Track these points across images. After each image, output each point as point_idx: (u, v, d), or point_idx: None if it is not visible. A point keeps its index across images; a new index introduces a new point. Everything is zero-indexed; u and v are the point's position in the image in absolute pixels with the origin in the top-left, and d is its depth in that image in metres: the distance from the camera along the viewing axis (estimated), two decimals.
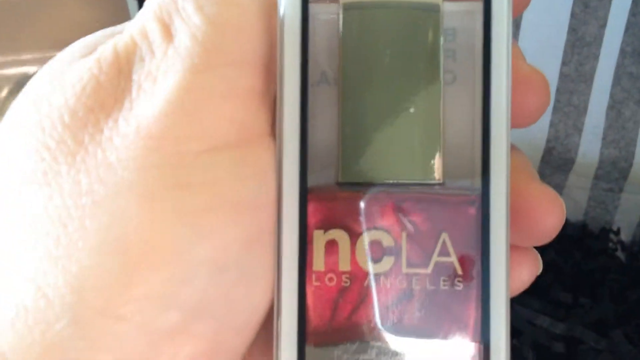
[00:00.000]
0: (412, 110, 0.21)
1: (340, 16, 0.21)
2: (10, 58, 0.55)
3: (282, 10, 0.21)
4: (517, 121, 0.22)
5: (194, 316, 0.20)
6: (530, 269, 0.23)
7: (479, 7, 0.21)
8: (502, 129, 0.21)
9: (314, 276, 0.21)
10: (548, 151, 0.49)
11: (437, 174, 0.21)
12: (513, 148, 0.23)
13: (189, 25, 0.20)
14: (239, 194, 0.20)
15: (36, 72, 0.57)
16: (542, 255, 0.52)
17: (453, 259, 0.21)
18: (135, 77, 0.20)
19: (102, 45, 0.21)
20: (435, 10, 0.21)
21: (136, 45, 0.20)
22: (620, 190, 0.51)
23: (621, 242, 0.54)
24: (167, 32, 0.20)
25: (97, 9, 0.53)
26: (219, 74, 0.20)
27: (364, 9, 0.21)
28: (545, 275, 0.51)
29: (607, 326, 0.48)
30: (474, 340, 0.21)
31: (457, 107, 0.22)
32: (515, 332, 0.46)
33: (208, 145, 0.20)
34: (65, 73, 0.21)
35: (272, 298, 0.21)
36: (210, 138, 0.20)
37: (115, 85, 0.20)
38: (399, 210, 0.21)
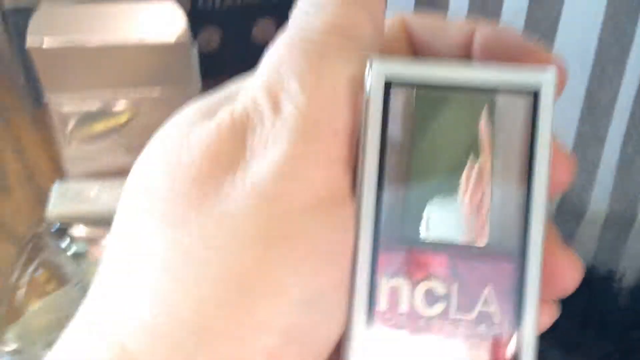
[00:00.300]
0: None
1: (414, 103, 0.23)
2: (78, 96, 0.59)
3: (368, 91, 0.23)
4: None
5: (288, 341, 0.21)
6: (549, 318, 0.24)
7: (527, 101, 0.22)
8: (541, 204, 0.22)
9: (377, 315, 0.23)
10: (562, 201, 0.51)
11: (484, 237, 0.23)
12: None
13: (294, 100, 0.22)
14: (330, 245, 0.22)
15: (99, 108, 0.62)
16: None
17: (494, 308, 0.22)
18: (248, 143, 0.22)
19: (220, 112, 0.23)
20: (491, 103, 0.23)
21: (249, 115, 0.22)
22: (626, 239, 0.52)
23: (626, 287, 0.54)
24: (276, 105, 0.22)
25: (159, 59, 0.56)
26: (317, 144, 0.22)
27: (434, 98, 0.23)
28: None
29: None
30: None
31: (504, 184, 0.23)
32: None
33: (307, 202, 0.21)
34: (190, 134, 0.22)
35: (343, 331, 0.23)
36: (309, 198, 0.21)
37: (233, 149, 0.22)
38: (452, 264, 0.23)
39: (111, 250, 0.23)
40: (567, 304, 0.55)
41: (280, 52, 0.23)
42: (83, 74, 0.58)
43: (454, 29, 0.26)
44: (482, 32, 0.26)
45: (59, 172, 0.66)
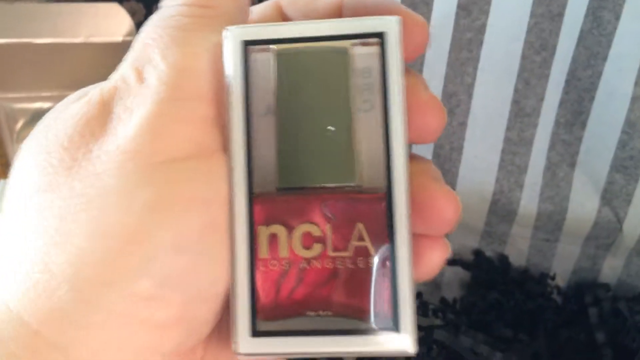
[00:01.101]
0: (331, 129, 0.24)
1: (273, 58, 0.25)
2: (28, 94, 0.60)
3: (226, 54, 0.25)
4: (421, 138, 0.26)
5: (162, 285, 0.23)
6: (440, 253, 0.26)
7: (377, 44, 0.24)
8: (400, 142, 0.24)
9: (260, 263, 0.24)
10: (494, 203, 0.52)
11: (353, 178, 0.24)
12: (420, 158, 0.26)
13: (156, 70, 0.24)
14: (193, 193, 0.23)
15: (49, 107, 0.62)
16: (486, 295, 0.56)
17: (367, 243, 0.24)
18: (115, 110, 0.24)
19: (92, 90, 0.25)
20: (343, 51, 0.24)
21: (117, 87, 0.24)
22: (556, 240, 0.54)
23: (557, 287, 0.56)
24: (140, 76, 0.24)
25: (106, 55, 0.58)
26: (179, 105, 0.24)
27: (292, 54, 0.25)
28: (489, 312, 0.53)
29: (541, 358, 0.51)
30: (387, 306, 0.24)
31: (372, 128, 0.24)
32: (458, 358, 0.49)
33: (170, 157, 0.23)
34: (65, 111, 0.24)
35: (229, 278, 0.24)
36: (172, 152, 0.23)
37: (101, 118, 0.24)
38: (324, 207, 0.24)
39: (2, 222, 0.24)
40: (501, 303, 0.57)
41: (146, 30, 0.25)
42: (31, 72, 0.59)
43: (322, 3, 0.28)
44: (348, 1, 0.27)
45: (5, 171, 0.67)
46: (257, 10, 0.28)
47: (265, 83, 0.25)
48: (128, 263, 0.22)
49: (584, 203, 0.52)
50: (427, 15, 0.45)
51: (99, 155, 0.23)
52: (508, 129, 0.49)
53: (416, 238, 0.25)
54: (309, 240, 0.24)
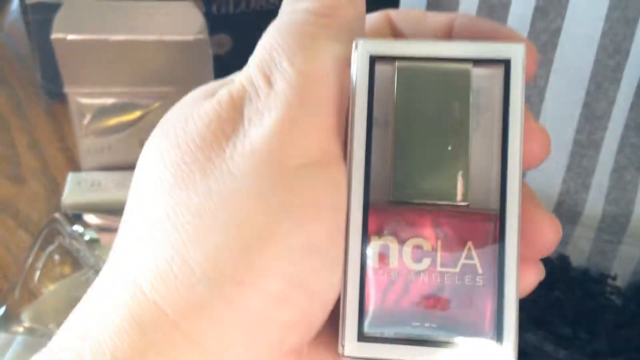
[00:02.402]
0: (448, 148, 0.25)
1: (396, 74, 0.25)
2: (98, 90, 0.61)
3: (355, 67, 0.25)
4: (528, 162, 0.26)
5: (293, 287, 0.23)
6: (535, 275, 0.27)
7: (500, 72, 0.25)
8: (516, 166, 0.25)
9: (370, 271, 0.25)
10: (560, 204, 0.53)
11: (465, 197, 0.25)
12: (524, 184, 0.26)
13: (284, 75, 0.25)
14: (324, 199, 0.24)
15: (114, 103, 0.64)
16: (548, 294, 0.57)
17: (476, 261, 0.25)
18: (246, 112, 0.24)
19: (220, 90, 0.26)
20: (466, 73, 0.25)
21: (246, 90, 0.25)
22: (619, 242, 0.54)
23: (617, 288, 0.57)
24: (268, 81, 0.25)
25: (177, 56, 0.59)
26: (308, 111, 0.24)
27: (416, 71, 0.25)
28: (550, 311, 0.54)
29: (601, 356, 0.51)
30: (491, 322, 0.24)
31: (482, 148, 0.25)
32: (524, 355, 0.46)
33: (302, 162, 0.24)
34: (194, 110, 0.25)
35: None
36: (303, 157, 0.24)
37: (232, 119, 0.25)
38: (436, 223, 0.25)
39: (128, 214, 0.25)
40: (562, 303, 0.57)
41: (271, 35, 0.26)
42: (103, 68, 0.61)
43: (433, 20, 0.29)
44: (460, 20, 0.28)
45: (72, 164, 0.69)
46: (367, 17, 0.29)
47: (387, 97, 0.25)
48: (264, 263, 0.23)
49: None
50: (504, 17, 0.47)
51: (233, 156, 0.24)
52: (577, 131, 0.50)
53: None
54: (418, 254, 0.25)
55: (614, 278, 0.57)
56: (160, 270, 0.23)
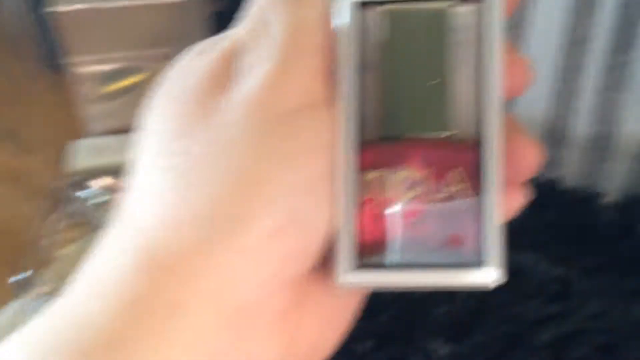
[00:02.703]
0: (432, 83, 0.26)
1: (378, 18, 0.26)
2: (99, 57, 0.62)
3: (339, 13, 0.26)
4: (509, 92, 0.26)
5: (288, 222, 0.25)
6: (520, 197, 0.27)
7: (480, 5, 0.26)
8: (495, 95, 0.25)
9: (364, 202, 0.26)
10: (546, 129, 0.54)
11: (450, 127, 0.26)
12: (507, 112, 0.27)
13: (272, 27, 0.26)
14: (315, 140, 0.25)
15: (119, 67, 0.64)
16: (542, 216, 0.58)
17: (463, 186, 0.26)
18: (239, 64, 0.26)
19: (219, 43, 0.27)
20: (443, 12, 0.26)
21: (239, 42, 0.26)
22: (607, 160, 0.55)
23: (609, 204, 0.58)
24: (258, 33, 0.26)
25: (172, 15, 0.60)
26: (296, 60, 0.25)
27: (396, 13, 0.26)
28: (546, 231, 0.55)
29: (596, 271, 0.53)
30: (478, 242, 0.25)
31: (470, 81, 0.26)
32: (520, 274, 0.51)
33: (292, 107, 0.25)
34: (192, 65, 0.27)
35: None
36: (293, 103, 0.25)
37: (227, 70, 0.26)
38: (424, 154, 0.26)
39: (135, 166, 0.27)
40: (556, 224, 0.59)
41: None
42: (101, 35, 0.62)
43: None
44: None
45: (78, 131, 0.70)
46: None
47: (371, 39, 0.26)
48: (260, 201, 0.24)
49: (633, 124, 0.53)
50: None
51: (227, 107, 0.25)
52: (559, 56, 0.51)
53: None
54: (409, 183, 0.26)
55: (605, 195, 0.58)
56: (165, 213, 0.25)
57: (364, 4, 0.26)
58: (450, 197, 0.26)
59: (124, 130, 0.66)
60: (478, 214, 0.26)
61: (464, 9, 0.26)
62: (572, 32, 0.50)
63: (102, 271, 0.25)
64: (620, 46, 0.50)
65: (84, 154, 0.65)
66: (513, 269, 0.55)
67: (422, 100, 0.26)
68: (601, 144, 0.55)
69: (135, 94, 0.66)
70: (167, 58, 0.62)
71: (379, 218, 0.26)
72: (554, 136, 0.55)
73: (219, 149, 0.25)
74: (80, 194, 0.62)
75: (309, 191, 0.25)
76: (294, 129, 0.25)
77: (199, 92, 0.26)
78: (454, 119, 0.26)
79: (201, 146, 0.25)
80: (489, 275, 0.25)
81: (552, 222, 0.56)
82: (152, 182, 0.26)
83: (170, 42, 0.62)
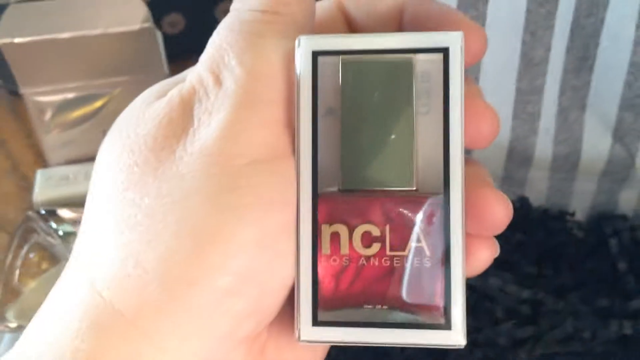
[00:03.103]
0: (393, 136, 0.25)
1: (340, 69, 0.26)
2: (54, 87, 0.62)
3: (298, 63, 0.26)
4: (475, 144, 0.26)
5: (243, 281, 0.24)
6: (489, 253, 0.27)
7: (439, 58, 0.25)
8: (457, 148, 0.25)
9: (322, 258, 0.26)
10: (511, 150, 0.55)
11: (411, 182, 0.25)
12: (473, 162, 0.27)
13: (233, 74, 0.25)
14: (272, 194, 0.25)
15: (75, 97, 0.64)
16: (510, 236, 0.59)
17: (423, 244, 0.25)
18: (195, 113, 0.25)
19: (171, 90, 0.26)
20: (408, 64, 0.25)
21: (195, 90, 0.25)
22: (573, 179, 0.56)
23: (577, 222, 0.58)
24: (217, 80, 0.25)
25: (126, 46, 0.59)
26: (256, 110, 0.25)
27: (358, 64, 0.26)
28: (514, 252, 0.55)
29: (566, 291, 0.53)
30: (439, 302, 0.25)
31: (430, 132, 0.26)
32: (489, 298, 0.52)
33: (249, 160, 0.24)
34: (146, 111, 0.26)
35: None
36: (252, 155, 0.24)
37: (182, 119, 0.25)
38: (383, 209, 0.25)
39: (86, 216, 0.26)
40: (525, 243, 0.59)
41: (221, 34, 0.26)
42: (55, 66, 0.61)
43: (384, 5, 0.29)
44: (410, 4, 0.28)
45: (41, 160, 0.69)
46: (319, 5, 0.29)
47: (332, 89, 0.26)
48: (213, 261, 0.24)
49: (596, 142, 0.53)
50: None
51: (182, 157, 0.24)
52: (519, 80, 0.51)
53: (467, 237, 0.26)
54: (368, 240, 0.25)
55: (573, 214, 0.58)
56: (115, 270, 0.24)
57: (324, 53, 0.26)
58: (413, 255, 0.25)
59: (85, 158, 0.65)
60: (441, 273, 0.25)
61: (426, 57, 0.26)
62: (527, 55, 0.50)
63: (51, 329, 0.24)
64: (577, 67, 0.51)
65: (47, 183, 0.64)
66: (481, 293, 0.55)
67: (383, 152, 0.26)
68: (566, 164, 0.55)
69: (94, 122, 0.65)
70: (124, 85, 0.62)
71: (339, 274, 0.26)
72: (517, 157, 0.56)
73: (170, 202, 0.24)
74: (46, 225, 0.61)
75: (264, 248, 0.25)
76: (250, 183, 0.24)
77: (153, 140, 0.25)
78: (416, 173, 0.26)
79: (153, 199, 0.24)
80: (456, 338, 0.25)
81: (522, 242, 0.56)
82: (103, 232, 0.25)
83: (124, 70, 0.62)
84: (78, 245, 0.26)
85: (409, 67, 0.26)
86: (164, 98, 0.26)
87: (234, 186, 0.24)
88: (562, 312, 0.51)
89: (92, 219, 0.26)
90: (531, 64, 0.50)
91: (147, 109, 0.26)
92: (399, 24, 0.29)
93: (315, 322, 0.26)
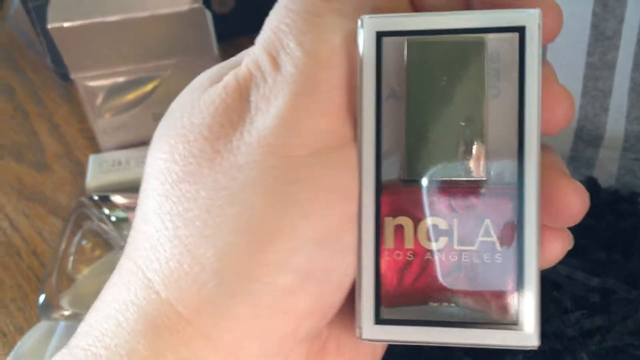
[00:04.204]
0: (462, 122, 0.24)
1: (405, 50, 0.24)
2: (104, 71, 0.61)
3: (361, 43, 0.24)
4: (547, 129, 0.25)
5: (304, 278, 0.23)
6: (562, 245, 0.26)
7: (514, 39, 0.24)
8: (533, 136, 0.23)
9: (385, 253, 0.24)
10: (580, 129, 0.51)
11: (481, 172, 0.24)
12: (546, 148, 0.25)
13: (292, 57, 0.23)
14: (334, 186, 0.23)
15: (125, 80, 0.64)
16: (579, 221, 0.55)
17: (494, 238, 0.24)
18: (252, 99, 0.24)
19: (226, 75, 0.24)
20: (480, 44, 0.24)
21: (252, 74, 0.24)
22: None
23: None
24: (275, 64, 0.24)
25: (175, 28, 0.58)
26: (316, 95, 0.23)
27: (424, 44, 0.24)
28: (583, 237, 0.51)
29: (638, 278, 0.50)
30: (511, 300, 0.24)
31: (501, 117, 0.24)
32: (556, 286, 0.49)
33: (310, 150, 0.23)
34: (201, 98, 0.24)
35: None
36: (312, 145, 0.23)
37: (238, 106, 0.24)
38: (452, 201, 0.24)
39: (141, 208, 0.25)
40: (594, 228, 0.56)
41: (277, 14, 0.24)
42: (105, 49, 0.60)
43: None
44: None
45: (94, 144, 0.69)
46: None
47: (399, 71, 0.24)
48: (273, 258, 0.23)
49: None
50: None
51: (239, 147, 0.23)
52: (589, 54, 0.48)
53: (541, 228, 0.24)
54: (435, 233, 0.24)
55: None
56: (171, 268, 0.23)
57: (389, 34, 0.24)
58: (482, 250, 0.24)
59: (136, 143, 0.64)
60: (512, 269, 0.24)
61: (504, 36, 0.24)
62: (598, 28, 0.47)
63: (107, 327, 0.23)
64: None
65: (99, 169, 0.63)
66: (548, 281, 0.53)
67: (451, 140, 0.24)
68: (639, 143, 0.52)
69: (145, 106, 0.64)
70: (174, 67, 0.61)
71: (403, 269, 0.25)
72: (587, 137, 0.53)
73: (228, 195, 0.23)
74: (99, 211, 0.60)
75: (326, 243, 0.24)
76: (310, 175, 0.23)
77: (208, 129, 0.24)
78: (486, 163, 0.24)
79: (210, 191, 0.23)
80: (527, 338, 0.24)
81: (591, 226, 0.53)
82: (157, 228, 0.24)
83: (174, 52, 0.61)
84: (133, 238, 0.25)
85: (480, 47, 0.24)
86: (219, 84, 0.24)
87: (294, 178, 0.23)
88: (634, 301, 0.49)
89: (147, 212, 0.24)
90: (602, 37, 0.46)
91: (202, 95, 0.24)
92: (466, 2, 0.27)
93: (378, 319, 0.25)
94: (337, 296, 0.25)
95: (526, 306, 0.24)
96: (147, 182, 0.25)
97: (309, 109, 0.23)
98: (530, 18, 0.23)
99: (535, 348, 0.24)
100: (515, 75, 0.24)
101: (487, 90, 0.24)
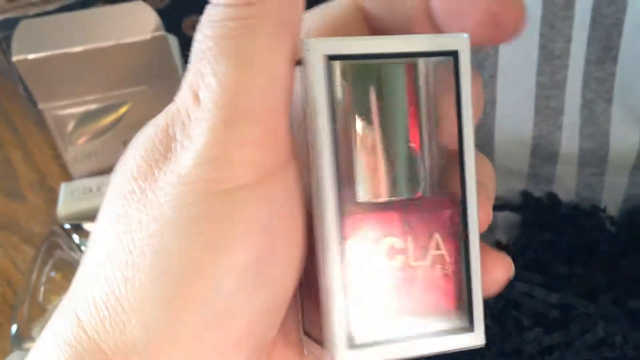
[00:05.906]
0: (401, 143, 0.25)
1: (345, 75, 0.24)
2: (71, 101, 0.61)
3: (309, 67, 0.23)
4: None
5: (227, 313, 0.23)
6: (503, 271, 0.26)
7: (448, 62, 0.24)
8: (470, 152, 0.24)
9: (350, 275, 0.24)
10: (536, 147, 0.52)
11: (424, 190, 0.25)
12: (482, 164, 0.27)
13: (209, 90, 0.23)
14: (251, 219, 0.23)
15: (95, 109, 0.63)
16: (539, 235, 0.56)
17: (443, 251, 0.25)
18: (178, 137, 0.23)
19: (161, 113, 0.24)
20: (412, 67, 0.25)
21: (178, 111, 0.23)
22: (603, 173, 0.53)
23: (609, 217, 0.56)
24: (196, 98, 0.23)
25: (140, 56, 0.58)
26: (235, 128, 0.22)
27: (363, 68, 0.25)
28: (544, 252, 0.53)
29: (598, 292, 0.50)
30: (463, 306, 0.25)
31: (437, 138, 0.25)
32: (515, 305, 0.49)
33: (230, 185, 0.22)
34: (137, 137, 0.24)
35: (301, 270, 0.25)
36: (231, 179, 0.22)
37: (165, 145, 0.23)
38: (403, 219, 0.25)
39: (88, 247, 0.25)
40: (555, 241, 0.56)
41: (197, 40, 0.24)
42: (71, 79, 0.60)
43: None
44: None
45: (68, 171, 0.69)
46: (336, 4, 0.27)
47: (340, 97, 0.25)
48: (191, 297, 0.22)
49: (625, 135, 0.51)
50: None
51: (162, 187, 0.23)
52: (539, 74, 0.48)
53: (481, 254, 0.25)
54: (392, 253, 0.25)
55: (604, 210, 0.56)
56: (97, 308, 0.23)
57: (338, 57, 0.24)
58: (434, 263, 0.25)
59: (108, 170, 0.64)
60: (463, 277, 0.25)
61: (432, 64, 0.25)
62: (546, 48, 0.48)
63: None
64: (600, 58, 0.48)
65: (71, 197, 0.63)
66: (507, 300, 0.52)
67: (396, 160, 0.25)
68: (594, 158, 0.52)
69: (114, 133, 0.65)
70: (142, 93, 0.61)
71: (366, 289, 0.25)
72: (543, 154, 0.53)
73: (149, 235, 0.23)
74: (70, 240, 0.60)
75: (247, 277, 0.23)
76: (230, 210, 0.22)
77: (135, 170, 0.23)
78: (426, 180, 0.25)
79: (133, 232, 0.23)
80: (478, 338, 0.25)
81: (552, 241, 0.54)
82: (90, 269, 0.24)
83: (140, 79, 0.61)
84: (78, 272, 0.25)
85: (413, 71, 0.25)
86: (152, 121, 0.24)
87: (207, 215, 0.22)
88: (593, 316, 0.49)
89: (90, 250, 0.24)
90: (551, 57, 0.47)
91: (139, 134, 0.24)
92: (427, 17, 0.26)
93: (350, 343, 0.24)
94: (273, 320, 0.25)
95: (476, 310, 0.25)
96: (98, 218, 0.25)
97: (227, 142, 0.22)
98: (461, 42, 0.24)
99: (482, 346, 0.25)
100: (451, 94, 0.25)
101: (424, 110, 0.25)
